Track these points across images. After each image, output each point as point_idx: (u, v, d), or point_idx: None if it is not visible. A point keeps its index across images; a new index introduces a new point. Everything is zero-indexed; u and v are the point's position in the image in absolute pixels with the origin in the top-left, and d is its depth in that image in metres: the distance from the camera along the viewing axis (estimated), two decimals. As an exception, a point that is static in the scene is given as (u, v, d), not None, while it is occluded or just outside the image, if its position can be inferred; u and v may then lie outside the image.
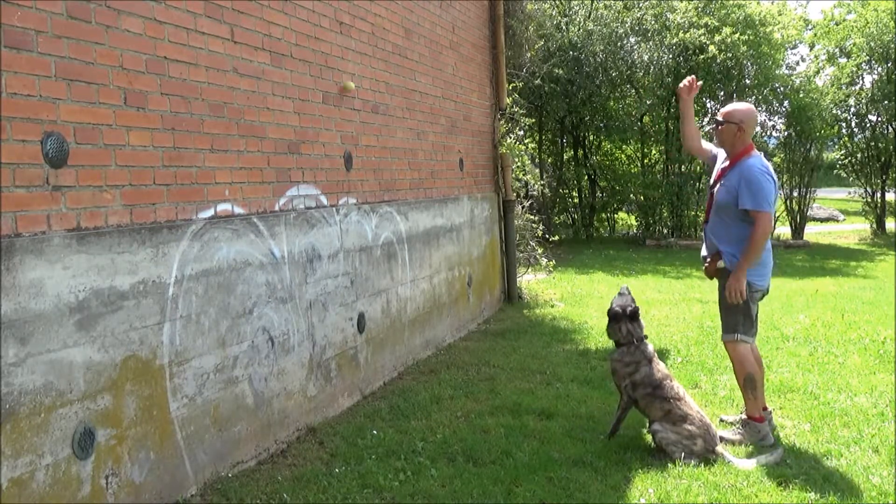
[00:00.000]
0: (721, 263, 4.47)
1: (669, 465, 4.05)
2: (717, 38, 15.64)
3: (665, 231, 18.11)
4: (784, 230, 18.86)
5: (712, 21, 15.94)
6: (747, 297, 4.36)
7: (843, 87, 18.28)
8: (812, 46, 20.13)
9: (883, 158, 19.33)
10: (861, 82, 18.63)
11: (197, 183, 3.87)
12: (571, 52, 16.24)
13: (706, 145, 4.90)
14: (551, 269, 10.08)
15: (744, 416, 4.51)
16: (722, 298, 4.47)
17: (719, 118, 4.51)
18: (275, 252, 4.48)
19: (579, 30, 16.39)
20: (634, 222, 19.71)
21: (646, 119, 18.30)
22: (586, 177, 18.97)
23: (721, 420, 4.74)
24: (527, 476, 3.95)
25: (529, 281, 10.42)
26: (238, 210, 4.19)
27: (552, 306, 9.03)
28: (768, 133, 18.42)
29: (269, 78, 4.48)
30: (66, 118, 3.12)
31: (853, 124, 19.19)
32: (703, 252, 4.64)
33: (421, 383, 5.75)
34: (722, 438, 4.35)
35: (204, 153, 3.93)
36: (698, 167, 17.74)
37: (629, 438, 4.45)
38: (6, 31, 2.87)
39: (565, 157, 19.29)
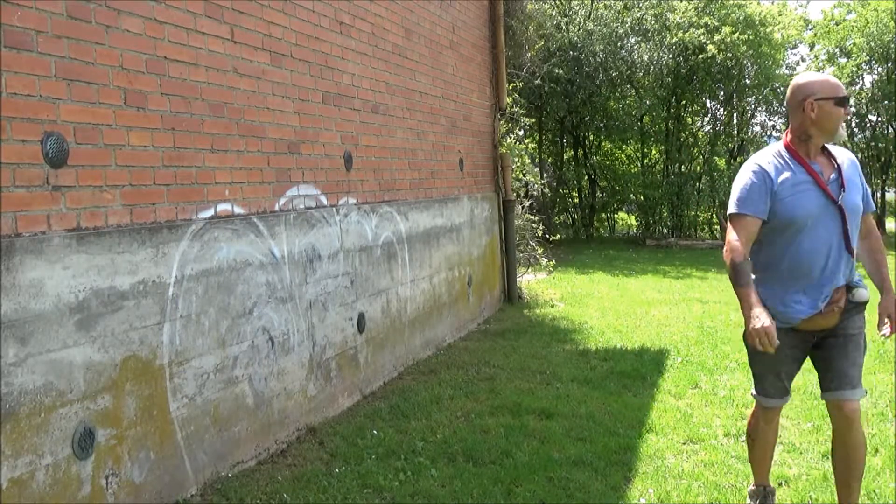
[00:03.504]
0: (862, 293, 3.37)
1: (669, 464, 4.05)
2: (716, 37, 15.64)
3: (665, 231, 18.12)
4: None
5: (712, 21, 15.95)
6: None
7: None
8: (812, 46, 20.12)
9: (883, 158, 19.32)
10: (861, 82, 18.63)
11: (197, 183, 3.88)
12: (571, 52, 16.25)
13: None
14: (551, 269, 10.08)
15: None
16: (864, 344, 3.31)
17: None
18: (275, 252, 4.48)
19: (579, 30, 16.40)
20: (634, 222, 19.73)
21: (646, 119, 18.31)
22: (586, 177, 18.98)
23: None
24: (527, 476, 3.94)
25: (529, 281, 10.42)
26: (238, 210, 4.19)
27: (552, 306, 9.03)
28: (768, 133, 18.43)
29: (269, 78, 4.48)
30: (66, 118, 3.12)
31: (853, 124, 19.18)
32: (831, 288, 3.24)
33: (421, 383, 5.75)
34: None
35: (204, 153, 3.93)
36: (698, 167, 17.75)
37: (629, 438, 4.45)
38: (6, 31, 2.87)
39: (565, 157, 19.30)
